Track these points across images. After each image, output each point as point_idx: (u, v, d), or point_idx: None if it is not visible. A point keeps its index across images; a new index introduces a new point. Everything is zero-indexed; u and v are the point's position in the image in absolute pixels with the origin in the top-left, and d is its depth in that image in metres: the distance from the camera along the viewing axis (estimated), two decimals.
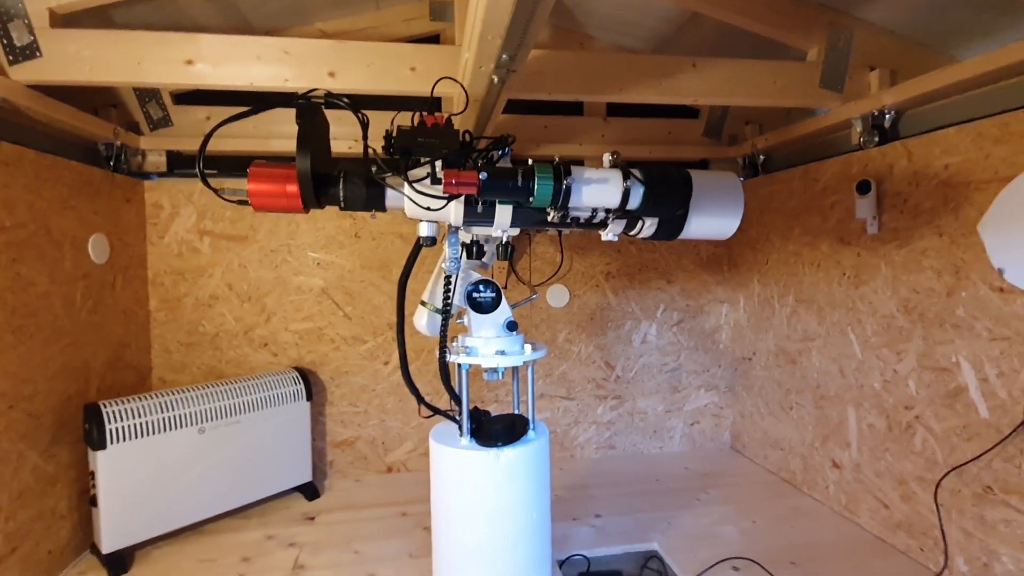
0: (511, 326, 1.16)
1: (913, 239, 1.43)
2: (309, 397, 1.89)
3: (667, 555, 1.52)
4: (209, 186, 0.87)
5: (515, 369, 1.29)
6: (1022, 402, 1.17)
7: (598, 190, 0.91)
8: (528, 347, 1.16)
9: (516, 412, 1.29)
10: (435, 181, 0.88)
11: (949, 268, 1.33)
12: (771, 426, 2.08)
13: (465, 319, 1.19)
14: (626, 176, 0.91)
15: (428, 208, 0.92)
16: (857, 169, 1.61)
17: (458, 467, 1.11)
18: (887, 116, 1.53)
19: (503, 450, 1.09)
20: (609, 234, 1.03)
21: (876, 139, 1.55)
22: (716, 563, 1.45)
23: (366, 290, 2.08)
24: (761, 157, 2.09)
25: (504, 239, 1.06)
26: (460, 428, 1.15)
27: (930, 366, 1.39)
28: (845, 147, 1.68)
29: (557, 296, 2.22)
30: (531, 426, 1.19)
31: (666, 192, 0.91)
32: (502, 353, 1.12)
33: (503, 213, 0.99)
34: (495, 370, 1.18)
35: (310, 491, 1.90)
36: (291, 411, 1.84)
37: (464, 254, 1.09)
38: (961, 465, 1.30)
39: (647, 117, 2.18)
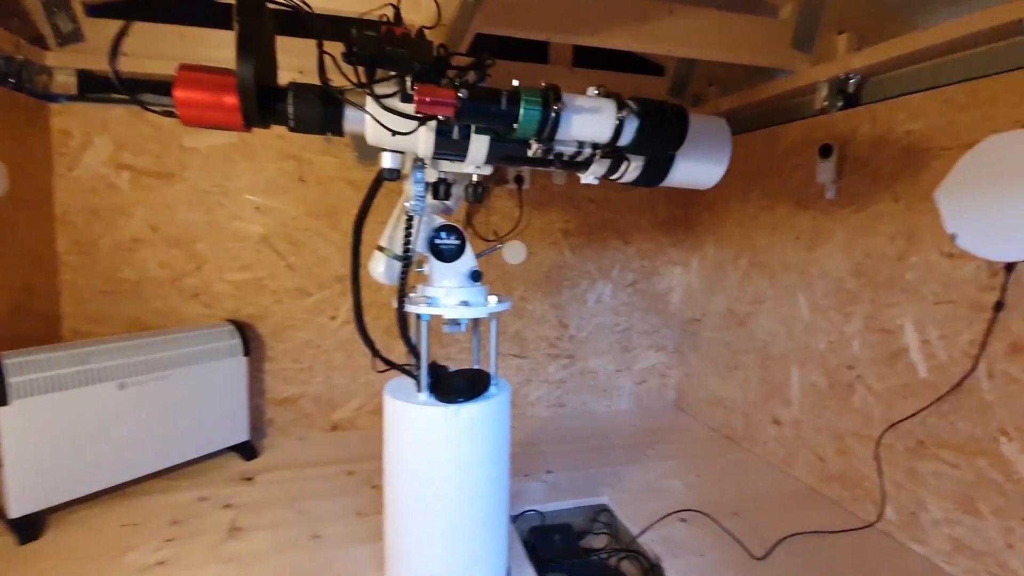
0: (475, 276, 1.08)
1: (870, 204, 1.46)
2: (247, 352, 1.75)
3: (617, 508, 1.54)
4: (119, 81, 0.71)
5: (476, 322, 1.22)
6: (961, 363, 1.24)
7: (589, 121, 0.83)
8: (493, 298, 1.10)
9: (477, 367, 1.24)
10: (405, 99, 0.77)
11: (903, 233, 1.37)
12: (716, 385, 2.14)
13: (425, 268, 1.11)
14: (620, 106, 0.83)
15: (395, 132, 0.81)
16: (820, 133, 1.62)
17: (416, 424, 1.05)
18: (852, 81, 1.53)
19: (464, 406, 1.04)
20: (590, 176, 0.96)
21: (840, 103, 1.56)
22: (664, 516, 1.48)
23: (312, 239, 1.93)
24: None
25: (475, 178, 0.97)
26: (418, 383, 1.08)
27: (875, 328, 1.45)
28: (809, 111, 1.68)
29: (514, 252, 2.15)
30: (493, 381, 1.14)
31: (662, 127, 0.84)
32: (465, 304, 1.05)
33: (478, 145, 0.88)
34: (457, 322, 1.11)
35: (247, 450, 1.78)
36: (226, 367, 1.70)
37: (430, 193, 0.99)
38: (898, 422, 1.38)
39: (613, 71, 2.11)
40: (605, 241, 2.27)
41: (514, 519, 1.47)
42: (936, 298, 1.29)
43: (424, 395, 1.07)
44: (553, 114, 0.79)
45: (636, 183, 0.96)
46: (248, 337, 1.76)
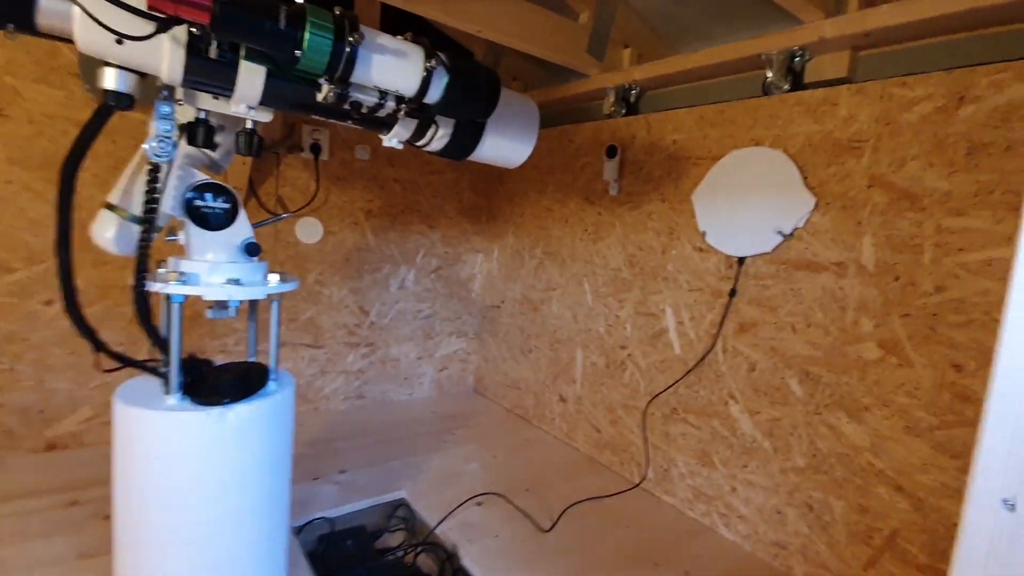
0: (251, 249, 0.90)
1: (643, 203, 1.65)
2: None
3: (415, 501, 1.49)
4: None
5: (253, 307, 1.03)
6: (704, 341, 1.48)
7: (394, 66, 0.72)
8: (274, 277, 0.93)
9: (253, 360, 1.04)
10: None
11: (666, 230, 1.58)
12: (511, 368, 2.24)
13: (180, 236, 0.89)
14: (429, 56, 0.74)
15: (123, 38, 0.59)
16: (607, 135, 1.78)
17: (162, 435, 0.83)
18: (633, 91, 1.71)
19: (231, 408, 0.86)
20: (394, 139, 0.86)
21: (624, 111, 1.73)
22: (462, 503, 1.48)
23: (17, 196, 1.44)
24: None
25: (249, 124, 0.79)
26: (166, 383, 0.86)
27: (643, 312, 1.65)
28: (599, 114, 1.84)
29: (308, 230, 1.93)
30: (272, 375, 0.97)
31: (473, 88, 0.78)
32: (236, 283, 0.87)
33: (250, 77, 0.70)
34: (226, 305, 0.91)
35: None
36: None
37: (185, 137, 0.78)
38: (659, 393, 1.60)
39: None
40: (409, 225, 2.18)
41: (298, 531, 1.30)
42: (689, 286, 1.52)
43: (175, 398, 0.85)
44: (348, 48, 0.67)
45: (443, 153, 0.90)
46: None
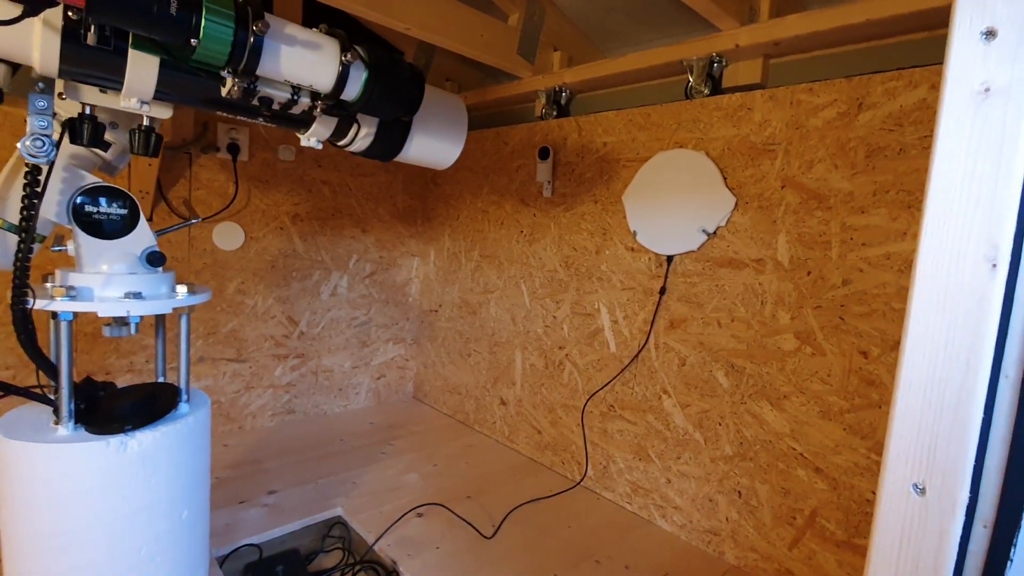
0: (154, 259, 0.82)
1: (576, 204, 1.67)
2: None
3: (351, 517, 1.43)
4: None
5: (161, 322, 0.94)
6: (638, 338, 1.51)
7: (305, 58, 0.66)
8: (182, 288, 0.85)
9: (162, 380, 0.96)
10: None
11: (599, 230, 1.61)
12: (451, 373, 2.21)
13: (70, 246, 0.79)
14: (345, 49, 0.70)
15: None
16: (539, 137, 1.79)
17: (53, 470, 0.74)
18: (564, 94, 1.73)
19: (133, 435, 0.78)
20: (312, 138, 0.81)
21: (555, 113, 1.75)
22: (402, 515, 1.43)
23: None
24: None
25: (145, 120, 0.71)
26: (56, 410, 0.77)
27: (579, 312, 1.67)
28: (531, 116, 1.85)
29: (227, 236, 1.81)
30: (182, 396, 0.89)
31: (395, 84, 0.74)
32: (137, 296, 0.79)
33: (141, 67, 0.63)
34: (125, 322, 0.83)
35: None
36: None
37: (67, 135, 0.69)
38: (596, 391, 1.62)
39: None
40: (341, 229, 2.10)
41: (222, 561, 1.21)
42: (622, 285, 1.55)
43: (66, 427, 0.76)
44: (252, 38, 0.61)
45: (369, 154, 0.85)
46: None
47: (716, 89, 1.35)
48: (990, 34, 0.32)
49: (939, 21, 1.02)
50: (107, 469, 0.76)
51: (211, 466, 1.66)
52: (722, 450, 1.34)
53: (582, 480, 1.68)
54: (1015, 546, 0.37)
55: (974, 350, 0.34)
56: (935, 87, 1.00)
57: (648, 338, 1.48)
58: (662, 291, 1.44)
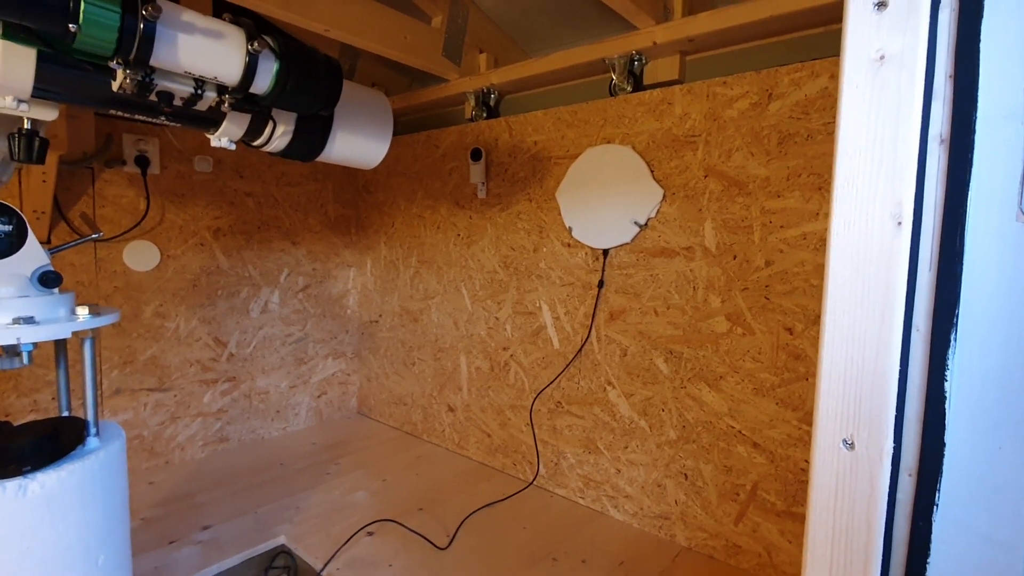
0: (47, 279, 0.74)
1: (511, 204, 1.67)
2: None
3: (296, 544, 1.35)
4: None
5: (61, 350, 0.85)
6: (580, 332, 1.53)
7: (207, 47, 0.61)
8: (82, 310, 0.77)
9: (66, 415, 0.86)
10: None
11: (535, 228, 1.61)
12: (395, 384, 2.15)
13: None
14: (252, 37, 0.65)
15: None
16: (471, 139, 1.78)
17: None
18: (492, 95, 1.73)
19: (34, 477, 0.69)
20: (224, 138, 0.74)
21: (485, 114, 1.74)
22: (351, 536, 1.37)
23: None
24: None
25: (27, 123, 0.63)
26: None
27: (521, 311, 1.67)
28: (461, 119, 1.84)
29: (140, 256, 1.67)
30: (90, 430, 0.80)
31: (310, 75, 0.69)
32: (29, 321, 0.70)
33: (14, 60, 0.56)
34: (17, 351, 0.74)
35: None
36: None
37: None
38: (543, 389, 1.62)
39: None
40: (269, 242, 1.99)
41: None
42: (561, 281, 1.56)
43: None
44: (142, 23, 0.56)
45: (289, 154, 0.81)
46: None
47: (638, 86, 1.39)
48: (881, 5, 0.34)
49: (834, 17, 1.10)
50: (6, 517, 0.67)
51: (134, 505, 1.53)
52: (667, 435, 1.37)
53: (534, 480, 1.67)
54: (939, 491, 0.39)
55: (887, 305, 0.36)
56: (834, 77, 1.08)
57: (590, 332, 1.50)
58: (600, 284, 1.46)
